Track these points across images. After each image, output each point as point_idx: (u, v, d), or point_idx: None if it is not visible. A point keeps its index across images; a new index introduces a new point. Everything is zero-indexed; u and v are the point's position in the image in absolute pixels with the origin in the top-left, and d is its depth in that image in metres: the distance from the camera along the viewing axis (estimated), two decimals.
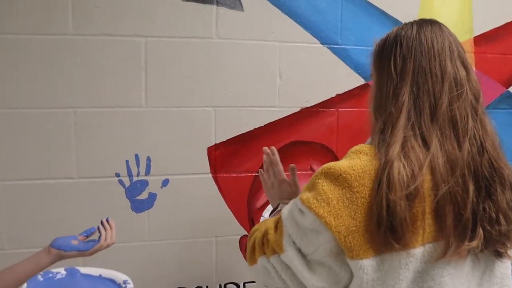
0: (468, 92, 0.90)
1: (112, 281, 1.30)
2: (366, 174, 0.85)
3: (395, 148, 0.84)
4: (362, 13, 1.73)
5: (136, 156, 1.59)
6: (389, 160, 0.83)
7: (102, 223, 1.28)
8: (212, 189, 1.66)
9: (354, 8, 1.72)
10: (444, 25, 0.98)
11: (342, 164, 0.87)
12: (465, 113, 0.88)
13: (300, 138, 1.71)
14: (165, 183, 1.62)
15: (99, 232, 1.25)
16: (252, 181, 1.67)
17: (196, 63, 1.60)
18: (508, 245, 0.89)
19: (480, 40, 1.87)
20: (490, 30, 1.88)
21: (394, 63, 0.93)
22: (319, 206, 0.86)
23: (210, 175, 1.65)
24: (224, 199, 1.67)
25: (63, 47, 1.50)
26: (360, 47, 1.72)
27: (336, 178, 0.86)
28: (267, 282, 1.02)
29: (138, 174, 1.59)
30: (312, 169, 1.72)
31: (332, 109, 1.73)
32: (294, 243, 0.93)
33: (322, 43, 1.70)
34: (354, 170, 0.85)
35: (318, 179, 0.89)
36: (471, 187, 0.84)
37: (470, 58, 1.86)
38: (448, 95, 0.89)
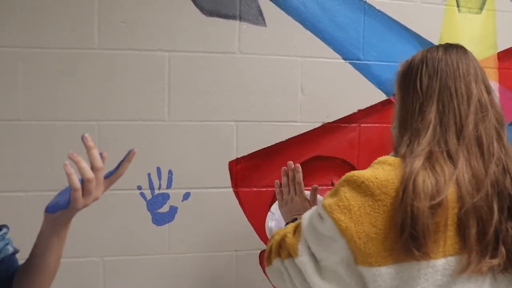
0: (492, 115, 0.93)
1: None
2: (389, 183, 0.86)
3: (421, 160, 0.87)
4: (384, 29, 1.72)
5: (158, 169, 1.60)
6: (414, 169, 0.85)
7: (69, 156, 0.84)
8: (232, 203, 1.66)
9: (377, 23, 1.72)
10: (469, 52, 1.00)
11: (365, 173, 0.89)
12: (491, 135, 0.91)
13: (322, 153, 1.70)
14: (186, 196, 1.62)
15: (66, 173, 0.83)
16: (273, 195, 1.67)
17: (219, 78, 1.62)
18: None
19: (504, 55, 1.86)
20: None
21: (420, 82, 0.96)
22: (340, 212, 0.88)
23: (231, 189, 1.65)
24: (245, 213, 1.67)
25: (89, 61, 1.53)
26: (382, 63, 1.72)
27: (358, 186, 0.88)
28: (280, 284, 1.05)
29: (159, 187, 1.60)
30: (333, 184, 1.72)
31: (354, 125, 1.73)
32: (309, 248, 0.95)
33: (344, 59, 1.70)
34: (377, 178, 0.87)
35: (341, 186, 0.92)
36: (495, 206, 0.85)
37: (494, 73, 1.85)
38: (474, 116, 0.91)
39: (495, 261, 0.85)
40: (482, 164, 0.88)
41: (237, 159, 1.65)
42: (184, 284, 1.65)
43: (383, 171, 0.89)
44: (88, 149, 0.87)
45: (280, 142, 1.67)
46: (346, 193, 0.89)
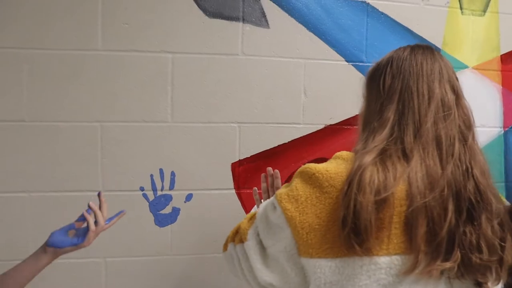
0: (456, 116, 0.91)
1: None
2: (338, 176, 0.86)
3: (372, 155, 0.86)
4: (387, 31, 1.72)
5: (161, 171, 1.60)
6: (363, 164, 0.84)
7: (89, 205, 1.18)
8: (235, 204, 1.66)
9: (380, 26, 1.72)
10: (437, 52, 0.99)
11: (318, 165, 0.90)
12: (452, 135, 0.88)
13: (324, 155, 1.70)
14: (188, 197, 1.62)
15: (86, 219, 1.16)
16: None
17: (222, 79, 1.62)
18: (489, 277, 0.86)
19: (507, 58, 1.85)
20: None
21: (383, 82, 0.96)
22: (288, 202, 0.89)
23: (233, 191, 1.65)
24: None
25: (92, 62, 1.53)
26: None
27: (309, 177, 0.89)
28: (231, 270, 1.08)
29: (162, 189, 1.61)
30: None
31: (356, 127, 1.72)
32: (258, 234, 0.96)
33: (347, 61, 1.70)
34: (327, 171, 0.88)
35: (296, 177, 0.93)
36: (451, 207, 0.83)
37: (497, 76, 1.84)
38: (434, 115, 0.89)
39: (447, 265, 0.82)
40: (439, 164, 0.86)
41: (240, 160, 1.65)
42: (186, 286, 1.65)
43: (335, 165, 0.89)
44: (101, 203, 1.21)
45: (282, 144, 1.67)
46: (298, 183, 0.90)
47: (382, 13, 1.72)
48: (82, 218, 1.17)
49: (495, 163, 1.87)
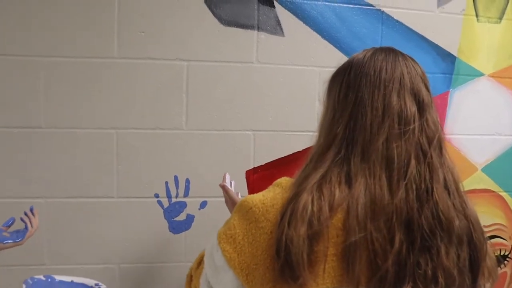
0: (416, 131, 0.79)
1: (84, 285, 1.40)
2: (273, 209, 0.78)
3: (311, 181, 0.77)
4: (402, 39, 1.72)
5: (176, 178, 1.61)
6: (298, 192, 0.76)
7: (25, 213, 1.37)
8: None
9: (394, 34, 1.71)
10: (402, 55, 0.87)
11: (256, 197, 0.82)
12: (407, 154, 0.78)
13: None
14: (203, 205, 1.63)
15: (24, 221, 1.35)
16: None
17: (237, 87, 1.62)
18: None
19: None
20: None
21: (339, 92, 0.85)
22: (226, 242, 0.81)
23: None
24: None
25: (108, 70, 1.55)
26: None
27: (247, 212, 0.81)
28: None
29: (177, 196, 1.61)
30: None
31: None
32: (209, 282, 0.88)
33: None
34: (263, 204, 0.79)
35: (234, 212, 0.85)
36: (398, 237, 0.74)
37: None
38: (387, 131, 0.78)
39: None
40: (386, 189, 0.76)
41: (254, 168, 1.65)
42: None
43: (272, 195, 0.81)
44: (34, 215, 1.37)
45: (297, 151, 1.67)
46: (235, 220, 0.82)
47: (397, 21, 1.72)
48: (6, 224, 1.33)
49: None
